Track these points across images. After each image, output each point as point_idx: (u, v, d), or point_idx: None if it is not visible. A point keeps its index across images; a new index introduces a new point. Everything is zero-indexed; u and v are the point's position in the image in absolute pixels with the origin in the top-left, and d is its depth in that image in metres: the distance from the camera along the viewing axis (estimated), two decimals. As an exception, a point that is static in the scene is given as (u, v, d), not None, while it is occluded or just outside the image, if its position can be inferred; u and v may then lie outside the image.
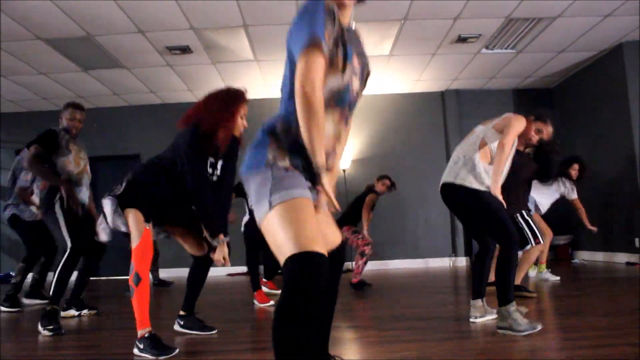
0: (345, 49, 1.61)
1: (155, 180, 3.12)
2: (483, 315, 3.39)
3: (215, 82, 8.32)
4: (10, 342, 3.43)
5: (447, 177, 3.38)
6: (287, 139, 1.61)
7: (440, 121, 9.31)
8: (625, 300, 3.95)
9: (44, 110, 9.13)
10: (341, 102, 1.66)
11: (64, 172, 4.06)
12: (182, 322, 3.47)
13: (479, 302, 3.40)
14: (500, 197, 3.12)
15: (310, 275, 1.40)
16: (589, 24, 6.60)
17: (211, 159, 3.21)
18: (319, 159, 1.51)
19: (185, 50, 6.96)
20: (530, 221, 4.35)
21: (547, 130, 3.64)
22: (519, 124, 3.23)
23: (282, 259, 1.45)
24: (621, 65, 7.32)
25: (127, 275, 2.93)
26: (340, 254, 1.83)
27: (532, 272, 6.13)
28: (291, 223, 1.46)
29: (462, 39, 6.96)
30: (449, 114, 9.21)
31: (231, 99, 3.31)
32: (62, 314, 4.36)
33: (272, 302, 4.71)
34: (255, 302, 4.80)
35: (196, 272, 3.47)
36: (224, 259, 3.21)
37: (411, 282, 6.48)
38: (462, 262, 8.90)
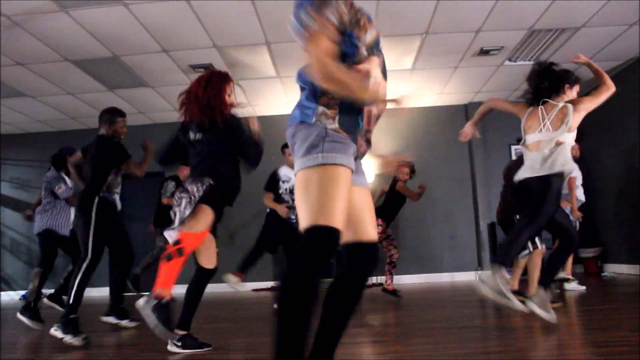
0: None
1: (233, 169, 3.38)
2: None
3: (239, 99, 8.39)
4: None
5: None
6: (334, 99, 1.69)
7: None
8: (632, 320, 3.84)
9: (72, 129, 9.34)
10: (377, 50, 1.78)
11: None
12: (179, 343, 3.26)
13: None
14: None
15: (324, 249, 1.52)
16: (614, 34, 6.51)
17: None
18: (362, 93, 1.60)
19: (208, 68, 7.05)
20: None
21: None
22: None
23: (304, 221, 1.57)
24: (647, 75, 7.21)
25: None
26: (374, 249, 1.78)
27: (568, 285, 5.99)
28: (326, 192, 1.57)
29: (484, 52, 6.93)
30: (472, 126, 9.13)
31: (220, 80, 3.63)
32: (103, 319, 4.43)
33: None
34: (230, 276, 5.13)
35: (201, 286, 3.38)
36: None
37: (437, 296, 6.40)
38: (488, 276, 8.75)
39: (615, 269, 8.24)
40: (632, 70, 7.61)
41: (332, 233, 1.54)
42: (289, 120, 1.75)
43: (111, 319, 4.52)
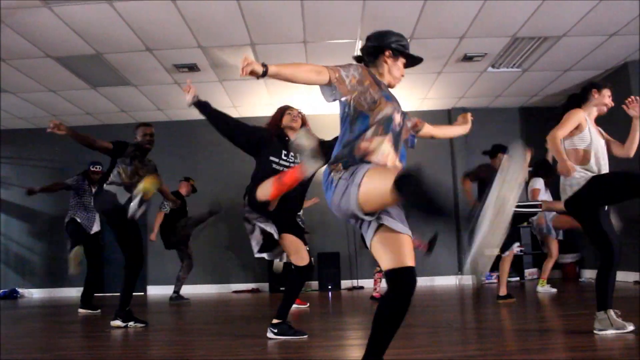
0: (386, 92, 2.34)
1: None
2: (605, 329, 3.27)
3: (222, 100, 8.39)
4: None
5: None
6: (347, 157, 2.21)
7: (446, 139, 9.32)
8: (634, 320, 3.90)
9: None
10: (386, 129, 2.25)
11: (114, 177, 4.72)
12: (275, 330, 3.68)
13: (602, 315, 3.33)
14: None
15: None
16: (595, 43, 6.62)
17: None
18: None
19: (192, 68, 7.03)
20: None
21: None
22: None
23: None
24: (626, 85, 7.31)
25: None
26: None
27: (539, 287, 6.41)
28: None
29: (468, 58, 6.99)
30: (455, 132, 9.20)
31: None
32: (112, 323, 4.54)
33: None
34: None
35: (298, 281, 3.80)
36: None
37: (417, 300, 6.43)
38: (468, 280, 8.83)
39: (592, 275, 8.35)
40: (611, 79, 7.72)
41: None
42: None
43: (118, 323, 4.55)
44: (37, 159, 9.32)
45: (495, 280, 8.39)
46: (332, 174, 2.18)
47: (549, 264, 6.53)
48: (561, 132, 3.57)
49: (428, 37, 6.32)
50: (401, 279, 2.07)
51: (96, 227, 6.39)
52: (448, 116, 9.31)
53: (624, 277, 7.51)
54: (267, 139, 3.80)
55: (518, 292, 6.83)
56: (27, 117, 8.81)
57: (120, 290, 4.64)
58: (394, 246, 2.11)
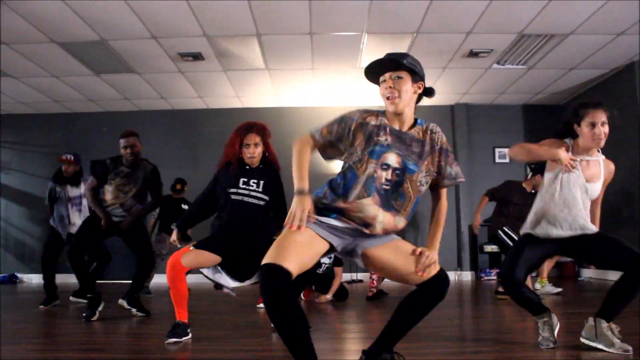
0: (377, 147, 2.21)
1: None
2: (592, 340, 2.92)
3: (226, 90, 8.36)
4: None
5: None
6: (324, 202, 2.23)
7: (449, 135, 9.27)
8: (630, 322, 3.90)
9: (55, 112, 9.21)
10: (369, 190, 2.17)
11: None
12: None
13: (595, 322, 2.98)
14: None
15: (266, 282, 1.95)
16: (601, 42, 6.60)
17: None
18: (296, 182, 2.20)
19: (197, 57, 6.99)
20: (511, 233, 5.48)
21: None
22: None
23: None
24: (632, 85, 7.30)
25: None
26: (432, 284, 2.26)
27: (538, 286, 6.31)
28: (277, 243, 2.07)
29: (474, 54, 6.97)
30: (458, 128, 9.21)
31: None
32: (119, 302, 4.68)
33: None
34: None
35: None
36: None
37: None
38: (467, 276, 8.85)
39: (590, 274, 8.38)
40: (617, 79, 7.71)
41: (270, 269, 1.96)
42: None
43: (124, 303, 4.68)
44: (38, 144, 9.28)
45: (494, 277, 8.41)
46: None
47: (550, 263, 6.51)
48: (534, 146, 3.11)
49: (435, 32, 6.29)
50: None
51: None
52: (451, 112, 9.29)
53: (604, 275, 7.51)
54: (221, 176, 3.67)
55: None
56: (29, 102, 8.77)
57: (131, 283, 4.73)
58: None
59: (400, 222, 2.27)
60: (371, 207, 2.17)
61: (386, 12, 5.76)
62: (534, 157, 3.14)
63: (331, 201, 2.19)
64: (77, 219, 5.81)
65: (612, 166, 3.18)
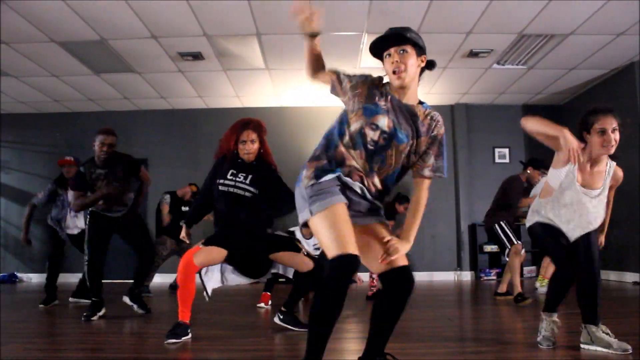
0: (373, 106, 2.21)
1: None
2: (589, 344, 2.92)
3: (226, 90, 8.36)
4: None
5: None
6: (326, 156, 2.21)
7: (449, 135, 9.30)
8: (630, 322, 3.90)
9: (55, 112, 9.20)
10: (357, 143, 2.17)
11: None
12: (281, 317, 3.83)
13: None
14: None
15: (343, 273, 1.95)
16: (602, 42, 6.60)
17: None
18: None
19: (197, 56, 6.99)
20: (507, 229, 5.44)
21: None
22: None
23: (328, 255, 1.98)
24: (632, 85, 7.30)
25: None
26: (404, 271, 2.22)
27: (538, 284, 6.35)
28: (329, 228, 2.01)
29: (474, 54, 6.97)
30: (457, 128, 9.20)
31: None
32: (123, 299, 4.80)
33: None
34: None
35: (306, 282, 3.80)
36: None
37: (414, 295, 6.44)
38: (467, 276, 8.85)
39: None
40: (617, 79, 7.71)
41: (344, 258, 1.95)
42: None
43: (127, 300, 4.78)
44: (38, 143, 9.28)
45: (494, 277, 8.42)
46: (304, 176, 2.18)
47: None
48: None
49: (435, 32, 6.28)
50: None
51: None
52: (451, 112, 9.28)
53: (623, 277, 7.53)
54: (215, 169, 3.83)
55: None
56: (29, 101, 8.77)
57: (133, 278, 4.84)
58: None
59: (377, 183, 2.23)
60: (358, 161, 2.18)
61: (386, 12, 5.76)
62: (545, 129, 3.01)
63: (334, 150, 2.21)
64: (73, 222, 5.89)
65: (620, 173, 3.14)
